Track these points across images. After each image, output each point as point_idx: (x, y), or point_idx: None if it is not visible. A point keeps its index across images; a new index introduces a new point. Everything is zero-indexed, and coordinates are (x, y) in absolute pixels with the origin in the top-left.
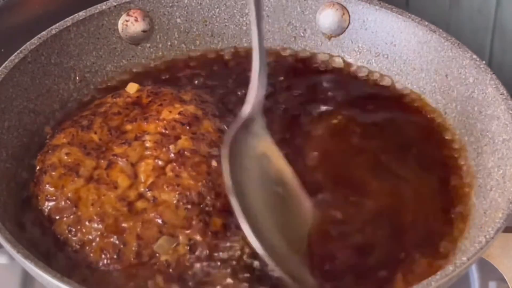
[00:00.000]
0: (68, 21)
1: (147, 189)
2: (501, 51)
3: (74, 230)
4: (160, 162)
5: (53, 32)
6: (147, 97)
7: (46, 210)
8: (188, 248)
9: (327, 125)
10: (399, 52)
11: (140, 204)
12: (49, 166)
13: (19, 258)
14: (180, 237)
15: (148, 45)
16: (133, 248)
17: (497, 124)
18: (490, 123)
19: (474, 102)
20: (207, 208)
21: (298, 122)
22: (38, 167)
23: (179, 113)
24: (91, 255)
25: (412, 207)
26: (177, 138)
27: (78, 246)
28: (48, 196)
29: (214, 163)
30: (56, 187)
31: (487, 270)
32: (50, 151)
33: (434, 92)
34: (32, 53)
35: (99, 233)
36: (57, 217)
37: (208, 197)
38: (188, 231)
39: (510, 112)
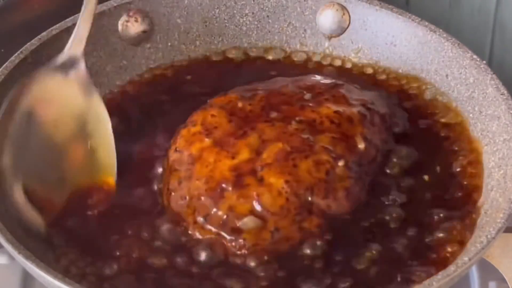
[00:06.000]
0: (68, 21)
1: (260, 167)
2: (501, 50)
3: (182, 184)
4: (288, 148)
5: (53, 32)
6: (320, 88)
7: (171, 160)
8: (271, 235)
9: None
10: (399, 53)
11: (247, 179)
12: (192, 121)
13: (20, 259)
14: (269, 223)
15: (148, 45)
16: (221, 217)
17: (497, 124)
18: (490, 123)
19: (475, 102)
20: (310, 205)
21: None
22: (188, 120)
23: (335, 112)
24: (185, 211)
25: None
26: (320, 133)
27: (180, 201)
28: (177, 148)
29: (340, 163)
30: (187, 142)
31: (487, 270)
32: (205, 108)
33: (434, 92)
34: (32, 54)
35: (199, 192)
36: (176, 169)
37: (316, 196)
38: (279, 219)
39: (511, 112)
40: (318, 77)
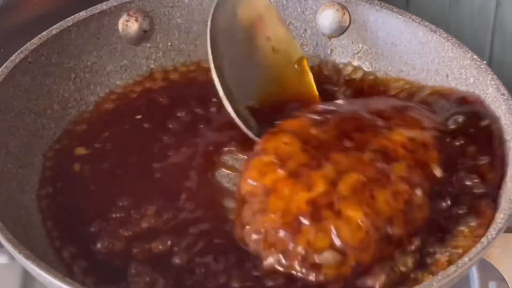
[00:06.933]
0: (69, 21)
1: (337, 200)
2: (501, 51)
3: (256, 217)
4: (364, 179)
5: (54, 32)
6: (390, 111)
7: (244, 192)
8: (352, 269)
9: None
10: (399, 53)
11: (324, 212)
12: (263, 149)
13: (20, 258)
14: (349, 257)
15: (148, 45)
16: (300, 252)
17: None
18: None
19: None
20: (389, 237)
21: None
22: (257, 146)
23: (409, 139)
24: (262, 245)
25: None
26: (395, 160)
27: (255, 236)
28: (250, 179)
29: (418, 192)
30: (260, 173)
31: (487, 270)
32: (275, 133)
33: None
34: (32, 53)
35: (275, 226)
36: (249, 201)
37: (396, 227)
38: (359, 253)
39: (511, 112)
40: (387, 99)
